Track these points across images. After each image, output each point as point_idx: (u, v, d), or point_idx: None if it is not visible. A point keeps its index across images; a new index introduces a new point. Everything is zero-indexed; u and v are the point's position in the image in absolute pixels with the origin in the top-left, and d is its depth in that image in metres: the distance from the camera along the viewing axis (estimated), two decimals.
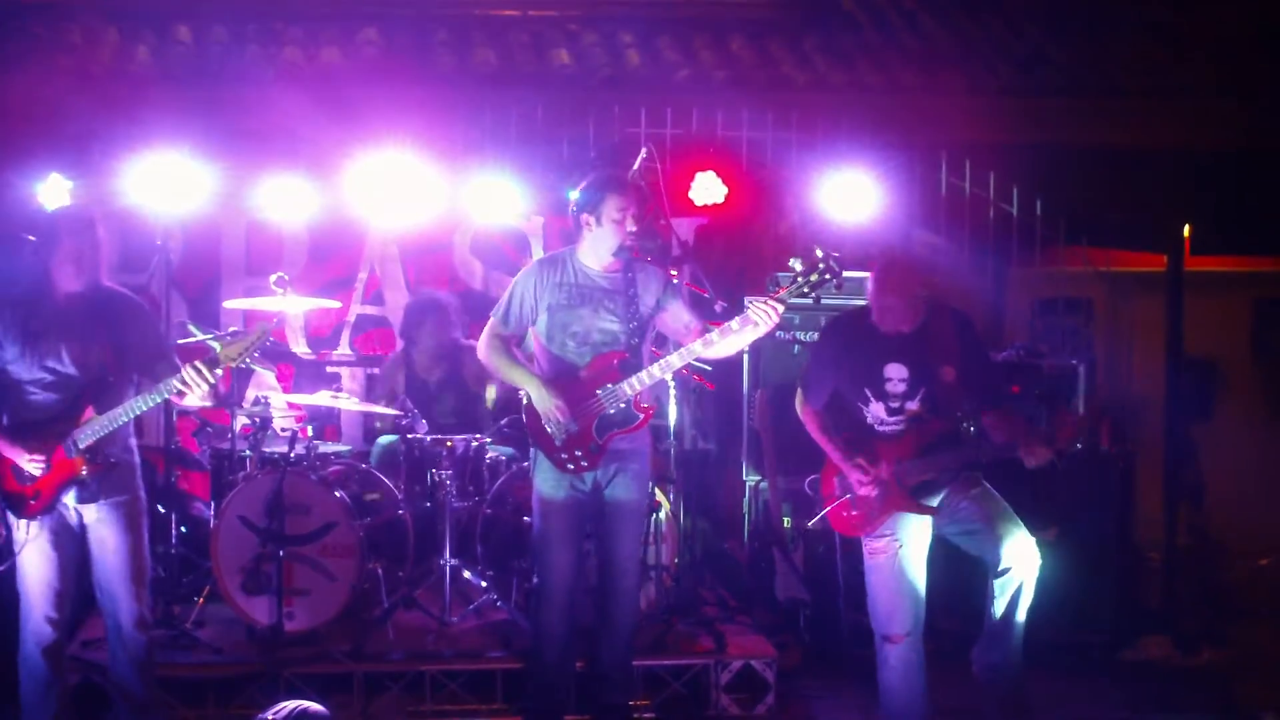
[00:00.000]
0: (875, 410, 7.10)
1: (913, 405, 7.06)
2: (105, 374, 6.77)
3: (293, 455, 8.31)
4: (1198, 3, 11.43)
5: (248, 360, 6.93)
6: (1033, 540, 7.06)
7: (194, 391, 6.66)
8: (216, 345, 7.98)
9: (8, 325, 6.76)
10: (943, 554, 7.26)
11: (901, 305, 7.07)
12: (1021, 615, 7.09)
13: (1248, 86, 10.58)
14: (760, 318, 6.86)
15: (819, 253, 6.95)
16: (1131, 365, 11.34)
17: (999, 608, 7.09)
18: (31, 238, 7.60)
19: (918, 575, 7.13)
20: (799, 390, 7.37)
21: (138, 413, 6.78)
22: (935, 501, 7.10)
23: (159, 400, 6.75)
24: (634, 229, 7.16)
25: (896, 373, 7.05)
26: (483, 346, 7.40)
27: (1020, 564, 7.02)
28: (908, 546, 7.10)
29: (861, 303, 7.41)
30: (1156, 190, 10.31)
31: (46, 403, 6.77)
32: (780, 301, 6.85)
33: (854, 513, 7.15)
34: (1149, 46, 11.00)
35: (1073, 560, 9.00)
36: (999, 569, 7.05)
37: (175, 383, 6.62)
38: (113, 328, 6.82)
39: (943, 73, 10.55)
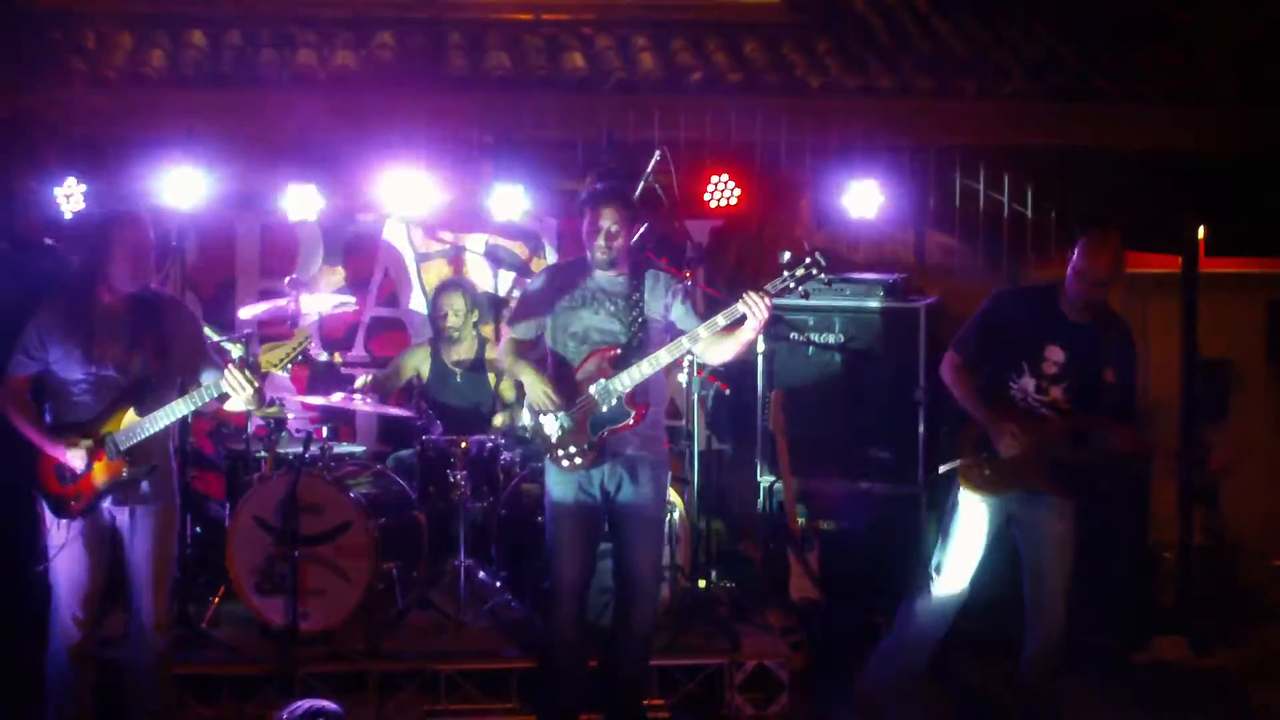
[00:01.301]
0: (1025, 383, 7.20)
1: (1058, 391, 7.17)
2: (148, 377, 6.84)
3: (307, 456, 8.30)
4: (1211, 5, 11.43)
5: (289, 367, 7.05)
6: (1063, 602, 7.26)
7: (239, 395, 6.75)
8: (233, 348, 8.11)
9: (53, 325, 6.82)
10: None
11: (1103, 290, 7.21)
12: (1051, 660, 7.37)
13: (1262, 88, 10.57)
14: (749, 309, 6.83)
15: (806, 247, 6.98)
16: (1146, 366, 11.30)
17: (1026, 651, 7.41)
18: (49, 241, 7.67)
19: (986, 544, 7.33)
20: (952, 349, 7.44)
21: (179, 415, 6.90)
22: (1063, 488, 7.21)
23: (202, 403, 6.84)
24: (605, 244, 7.17)
25: (1055, 355, 7.17)
26: (501, 349, 7.52)
27: (1042, 622, 7.30)
28: (1001, 517, 7.28)
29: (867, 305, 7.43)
30: (1171, 192, 10.29)
31: (89, 404, 6.85)
32: (766, 294, 6.83)
33: (987, 472, 7.23)
34: (1162, 49, 10.99)
35: (1087, 561, 8.97)
36: (1027, 616, 7.34)
37: (218, 387, 6.72)
38: (158, 331, 6.89)
39: (956, 76, 10.55)
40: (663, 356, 7.11)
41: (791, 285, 6.88)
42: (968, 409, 7.33)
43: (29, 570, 7.12)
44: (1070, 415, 7.16)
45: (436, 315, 9.58)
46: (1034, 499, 7.20)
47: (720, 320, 6.94)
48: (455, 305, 9.48)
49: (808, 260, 6.86)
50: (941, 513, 7.53)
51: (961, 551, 7.31)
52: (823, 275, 6.89)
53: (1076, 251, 7.20)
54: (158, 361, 6.85)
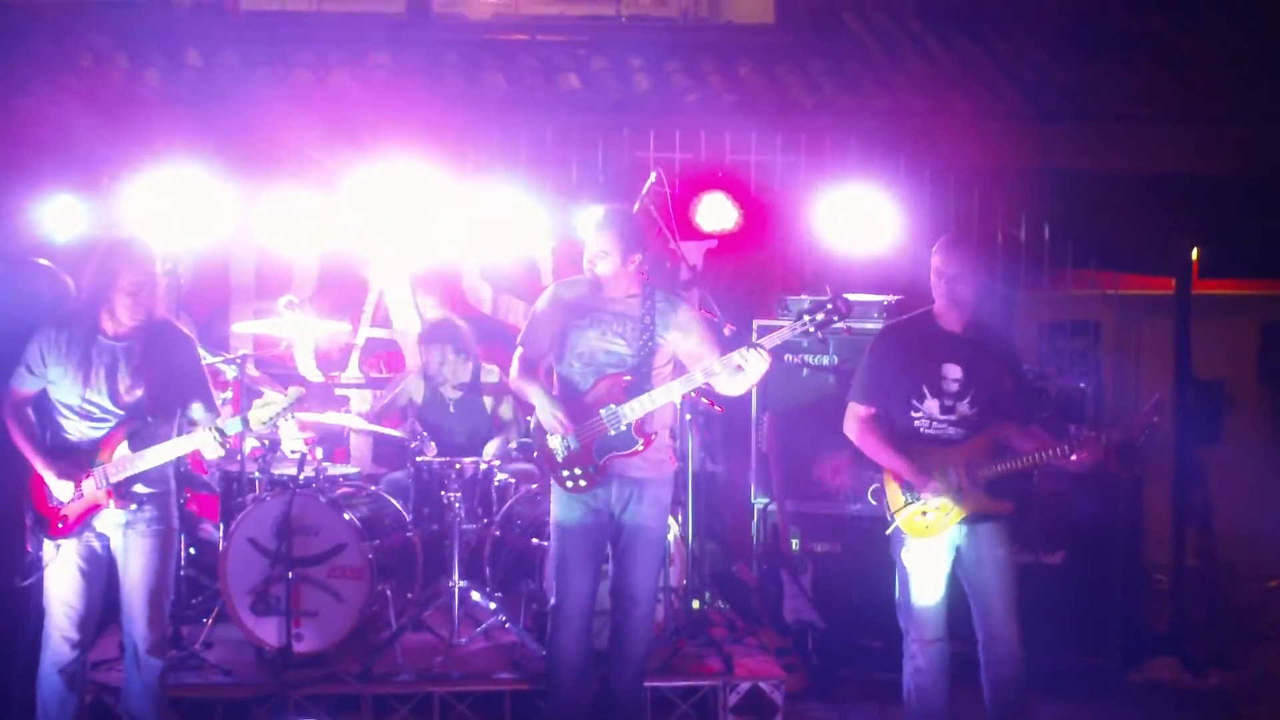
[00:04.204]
0: (929, 408, 7.16)
1: (964, 406, 7.15)
2: (143, 411, 6.88)
3: (302, 477, 8.32)
4: (1205, 26, 11.44)
5: (278, 425, 7.15)
6: (1015, 624, 7.14)
7: (210, 453, 6.97)
8: (226, 370, 8.14)
9: (54, 345, 6.86)
10: (953, 578, 7.27)
11: (970, 298, 7.16)
12: (1013, 682, 7.20)
13: (1255, 110, 10.58)
14: (746, 364, 6.97)
15: (828, 292, 7.01)
16: (1139, 388, 11.34)
17: (986, 677, 7.26)
18: (44, 261, 7.67)
19: (944, 580, 7.25)
20: (851, 403, 7.35)
21: (170, 457, 6.95)
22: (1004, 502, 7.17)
23: (183, 453, 7.00)
24: (593, 268, 7.23)
25: (952, 372, 7.15)
26: (511, 370, 7.50)
27: (998, 648, 7.18)
28: (950, 551, 7.20)
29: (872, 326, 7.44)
30: (1164, 214, 10.30)
31: (82, 432, 6.90)
32: (761, 349, 6.96)
33: (929, 516, 7.15)
34: (1156, 70, 11.01)
35: (1081, 583, 9.02)
36: (980, 646, 7.23)
37: (192, 442, 6.90)
38: (157, 364, 6.94)
39: (950, 96, 10.55)
40: (676, 388, 7.18)
41: (811, 329, 6.97)
42: (880, 462, 7.28)
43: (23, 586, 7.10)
44: (980, 432, 7.14)
45: (425, 360, 9.55)
46: (974, 528, 7.13)
47: (717, 367, 7.05)
48: (444, 356, 9.46)
49: (829, 306, 6.93)
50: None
51: (925, 600, 7.20)
52: (841, 320, 6.97)
53: (942, 258, 7.22)
54: (156, 394, 6.90)
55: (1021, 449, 7.13)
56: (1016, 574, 7.23)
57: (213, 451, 6.96)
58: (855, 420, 7.34)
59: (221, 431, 6.86)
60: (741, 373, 7.03)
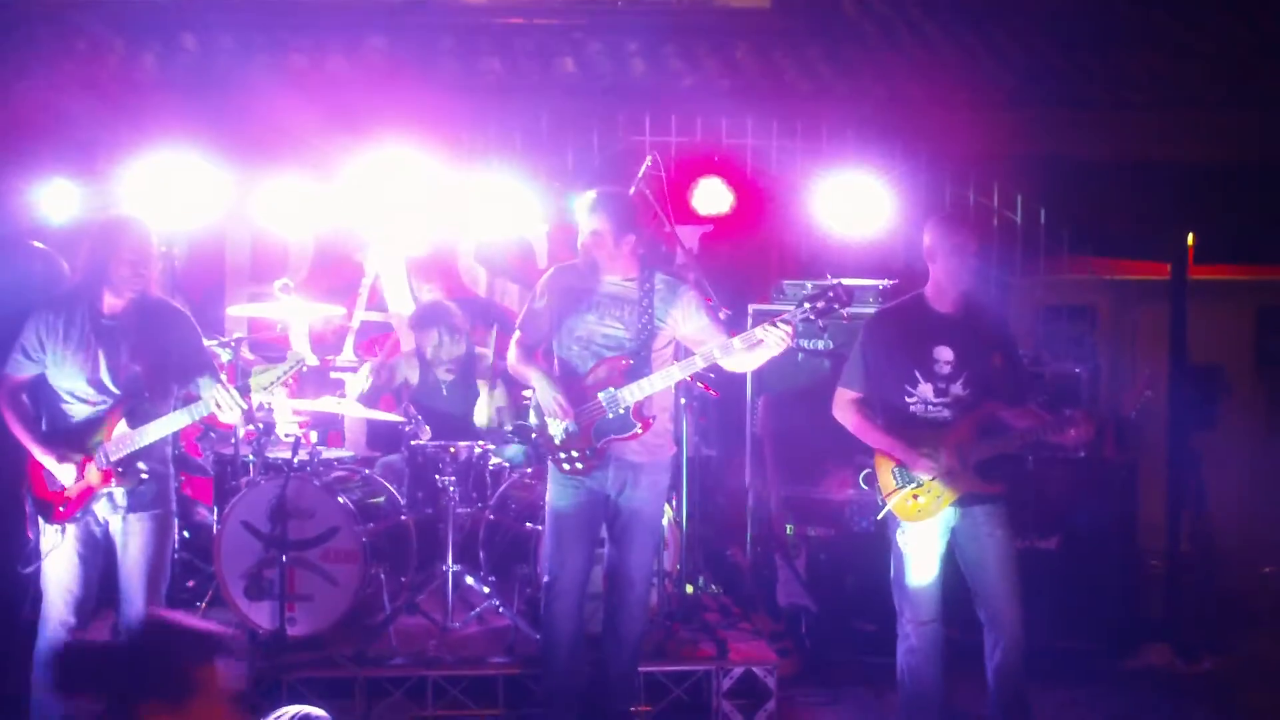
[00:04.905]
0: (923, 392, 7.17)
1: (957, 388, 7.14)
2: (140, 389, 6.85)
3: (296, 461, 8.32)
4: (1202, 14, 11.43)
5: (276, 391, 7.10)
6: (1017, 607, 7.16)
7: (228, 415, 6.82)
8: (221, 353, 8.13)
9: (52, 328, 6.84)
10: (948, 561, 7.28)
11: (963, 276, 7.16)
12: (1016, 665, 7.22)
13: (1252, 97, 10.57)
14: (769, 339, 6.95)
15: (829, 279, 7.02)
16: (1135, 373, 11.33)
17: (990, 662, 7.28)
18: (39, 244, 7.66)
19: (938, 561, 7.26)
20: (841, 387, 7.38)
21: (169, 431, 6.91)
22: (993, 485, 7.17)
23: (192, 420, 6.94)
24: (586, 250, 7.25)
25: (944, 355, 7.15)
26: (509, 354, 7.51)
27: (1001, 631, 7.19)
28: (944, 532, 7.21)
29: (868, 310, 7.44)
30: (1160, 199, 10.29)
31: (81, 413, 6.88)
32: (788, 323, 6.93)
33: (919, 499, 7.16)
34: (1153, 57, 10.99)
35: (1075, 568, 9.03)
36: (985, 629, 7.26)
37: (207, 406, 6.82)
38: (154, 341, 6.92)
39: (948, 83, 10.52)
40: (675, 372, 7.19)
41: (812, 317, 6.99)
42: (871, 443, 7.30)
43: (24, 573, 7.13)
44: (972, 414, 7.14)
45: (419, 343, 9.55)
46: (969, 510, 7.15)
47: (737, 344, 7.05)
48: (432, 341, 9.46)
49: (830, 294, 6.94)
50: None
51: (920, 582, 7.22)
52: (841, 308, 6.97)
53: (935, 236, 7.23)
54: (153, 372, 6.88)
55: (1016, 427, 7.16)
56: (1016, 557, 7.24)
57: (229, 414, 6.91)
58: (845, 404, 7.37)
59: (242, 389, 6.83)
60: (760, 347, 7.03)
